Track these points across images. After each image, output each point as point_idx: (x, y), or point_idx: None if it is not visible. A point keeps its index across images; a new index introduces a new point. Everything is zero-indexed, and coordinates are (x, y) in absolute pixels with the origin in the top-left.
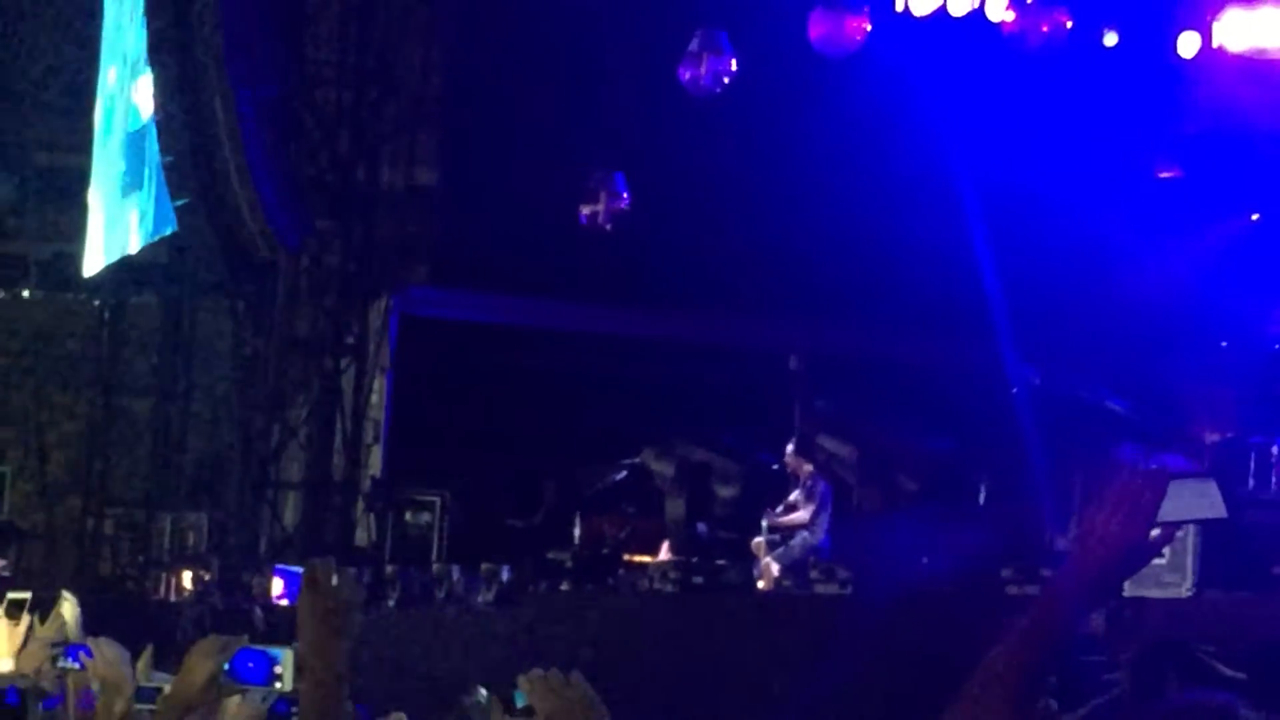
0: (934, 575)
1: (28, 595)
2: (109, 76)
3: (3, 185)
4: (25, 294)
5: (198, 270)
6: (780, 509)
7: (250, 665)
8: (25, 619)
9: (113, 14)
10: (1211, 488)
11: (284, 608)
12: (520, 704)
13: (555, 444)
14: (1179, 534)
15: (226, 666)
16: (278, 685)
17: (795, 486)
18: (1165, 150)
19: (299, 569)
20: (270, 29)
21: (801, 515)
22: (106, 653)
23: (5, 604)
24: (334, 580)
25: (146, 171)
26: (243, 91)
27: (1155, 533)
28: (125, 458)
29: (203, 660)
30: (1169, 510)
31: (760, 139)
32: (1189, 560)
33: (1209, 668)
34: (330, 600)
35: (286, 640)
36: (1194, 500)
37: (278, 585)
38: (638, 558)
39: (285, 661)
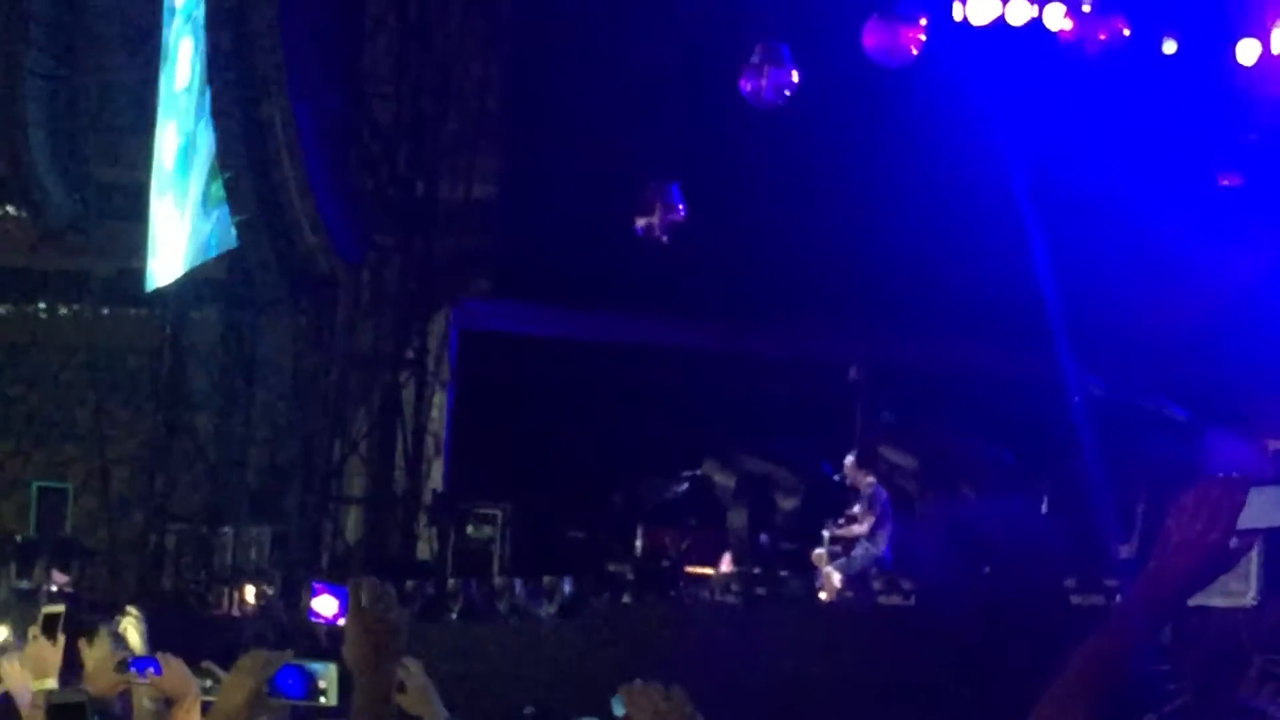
0: (997, 585)
1: (62, 609)
2: (174, 81)
3: (64, 200)
4: (87, 310)
5: (258, 286)
6: (841, 520)
7: (291, 681)
8: (61, 638)
9: (171, 30)
10: None
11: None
12: (619, 713)
13: (616, 456)
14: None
15: (269, 682)
16: (321, 700)
17: (856, 498)
18: (1226, 157)
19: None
20: (329, 43)
21: (863, 526)
22: (174, 665)
23: (41, 619)
24: (380, 599)
25: (198, 183)
26: (301, 106)
27: (1234, 541)
28: (187, 473)
29: (245, 676)
30: (1247, 518)
31: (817, 149)
32: (1253, 569)
33: (1273, 676)
34: (376, 619)
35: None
36: (1273, 508)
37: (328, 605)
38: (698, 569)
39: (328, 677)
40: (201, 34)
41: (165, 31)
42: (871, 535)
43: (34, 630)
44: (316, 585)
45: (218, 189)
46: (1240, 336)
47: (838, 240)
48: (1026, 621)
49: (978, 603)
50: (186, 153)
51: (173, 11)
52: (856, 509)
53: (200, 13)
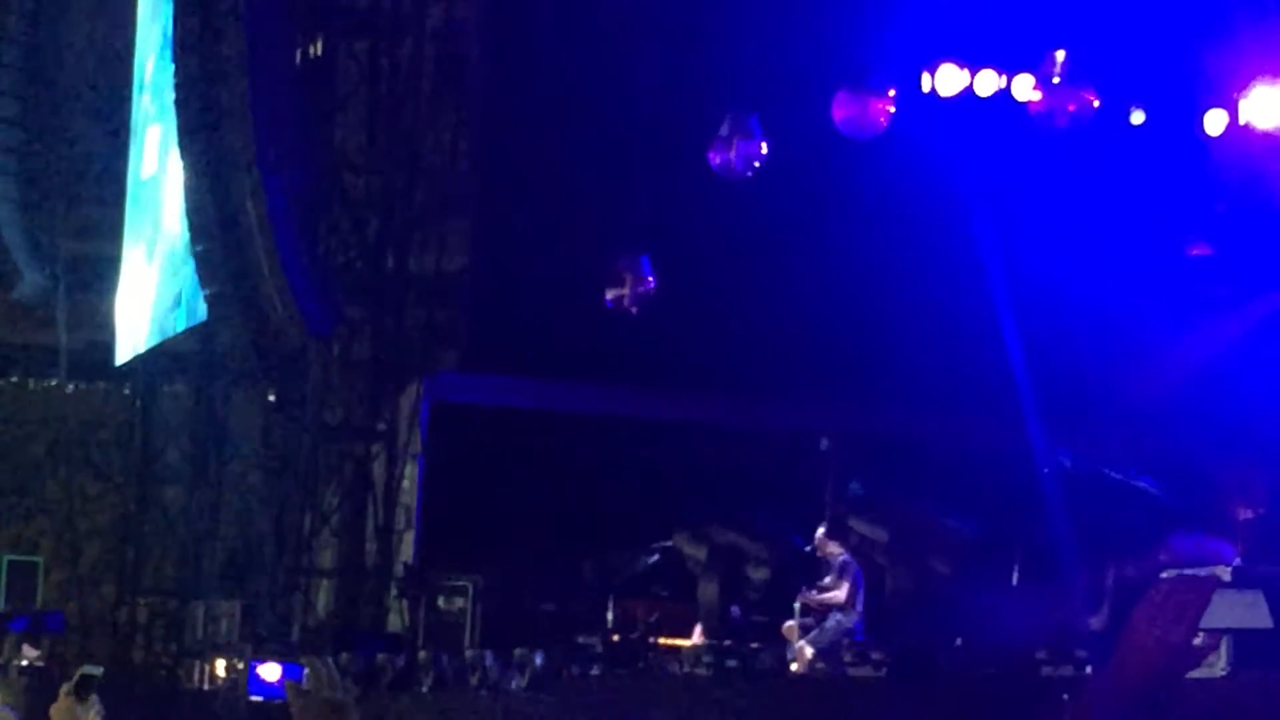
0: (969, 656)
1: (99, 672)
2: (140, 166)
3: (34, 275)
4: (57, 384)
5: (229, 359)
6: (814, 589)
7: None
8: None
9: (140, 109)
10: (1259, 599)
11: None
12: None
13: (587, 528)
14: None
15: None
16: None
17: (827, 568)
18: (1195, 227)
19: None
20: (299, 116)
21: (837, 595)
22: None
23: (76, 680)
24: (326, 680)
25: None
26: (272, 180)
27: (1199, 639)
28: (158, 546)
29: None
30: (1214, 618)
31: (787, 221)
32: (1224, 640)
33: None
34: (325, 700)
35: None
36: (1242, 610)
37: (271, 671)
38: (670, 641)
39: None
40: (171, 119)
41: (134, 107)
42: (845, 605)
43: (66, 687)
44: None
45: (186, 274)
46: (1209, 406)
47: (807, 312)
48: (998, 692)
49: (949, 674)
50: (152, 241)
51: (142, 86)
52: (828, 579)
53: (169, 88)
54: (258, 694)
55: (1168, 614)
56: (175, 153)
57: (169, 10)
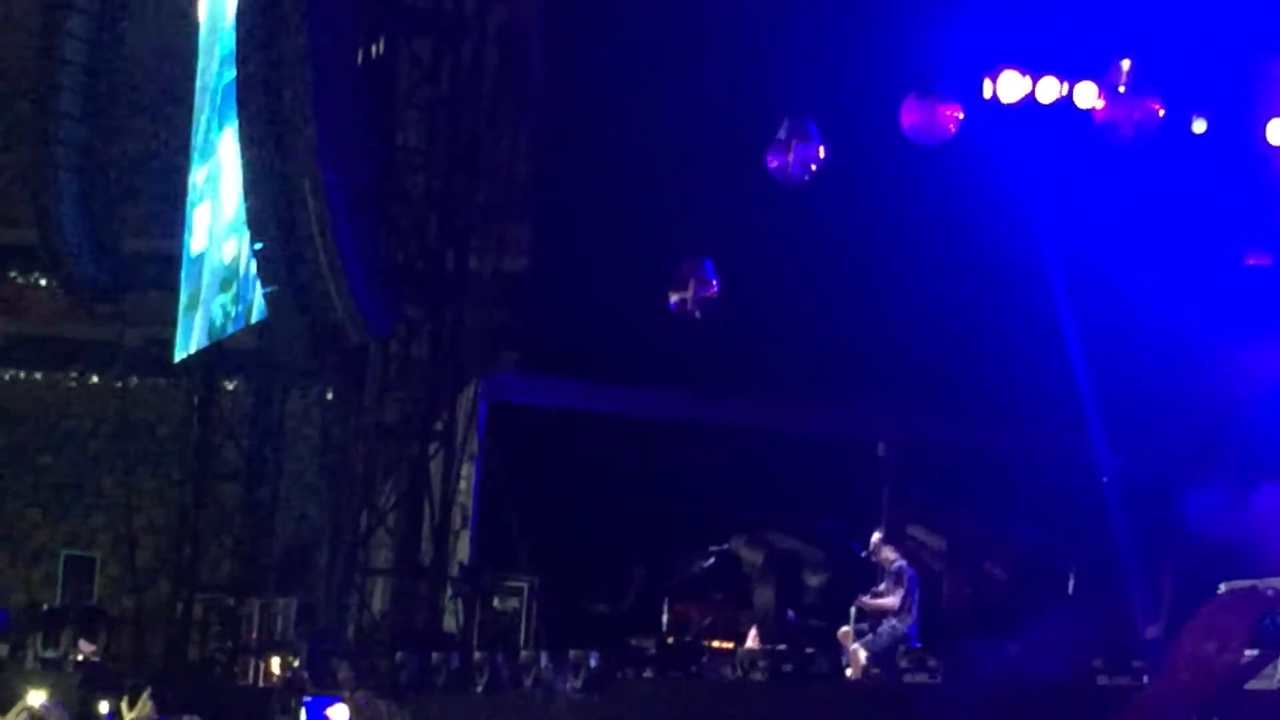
0: (1024, 665)
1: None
2: (198, 175)
3: (95, 270)
4: (116, 379)
5: (287, 357)
6: (869, 595)
7: None
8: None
9: (202, 102)
10: None
11: None
12: None
13: (643, 530)
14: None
15: None
16: None
17: (882, 574)
18: (1255, 237)
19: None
20: (360, 116)
21: (891, 601)
22: None
23: (130, 688)
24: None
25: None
26: (332, 178)
27: (1251, 653)
28: (214, 543)
29: None
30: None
31: (850, 226)
32: None
33: None
34: None
35: None
36: None
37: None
38: (723, 644)
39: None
40: (232, 117)
41: (196, 104)
42: (900, 611)
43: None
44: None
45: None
46: (1269, 416)
47: (868, 317)
48: (1053, 702)
49: (1004, 682)
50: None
51: (204, 85)
52: (883, 585)
53: (231, 86)
54: None
55: (1219, 630)
56: (236, 150)
57: (232, 10)
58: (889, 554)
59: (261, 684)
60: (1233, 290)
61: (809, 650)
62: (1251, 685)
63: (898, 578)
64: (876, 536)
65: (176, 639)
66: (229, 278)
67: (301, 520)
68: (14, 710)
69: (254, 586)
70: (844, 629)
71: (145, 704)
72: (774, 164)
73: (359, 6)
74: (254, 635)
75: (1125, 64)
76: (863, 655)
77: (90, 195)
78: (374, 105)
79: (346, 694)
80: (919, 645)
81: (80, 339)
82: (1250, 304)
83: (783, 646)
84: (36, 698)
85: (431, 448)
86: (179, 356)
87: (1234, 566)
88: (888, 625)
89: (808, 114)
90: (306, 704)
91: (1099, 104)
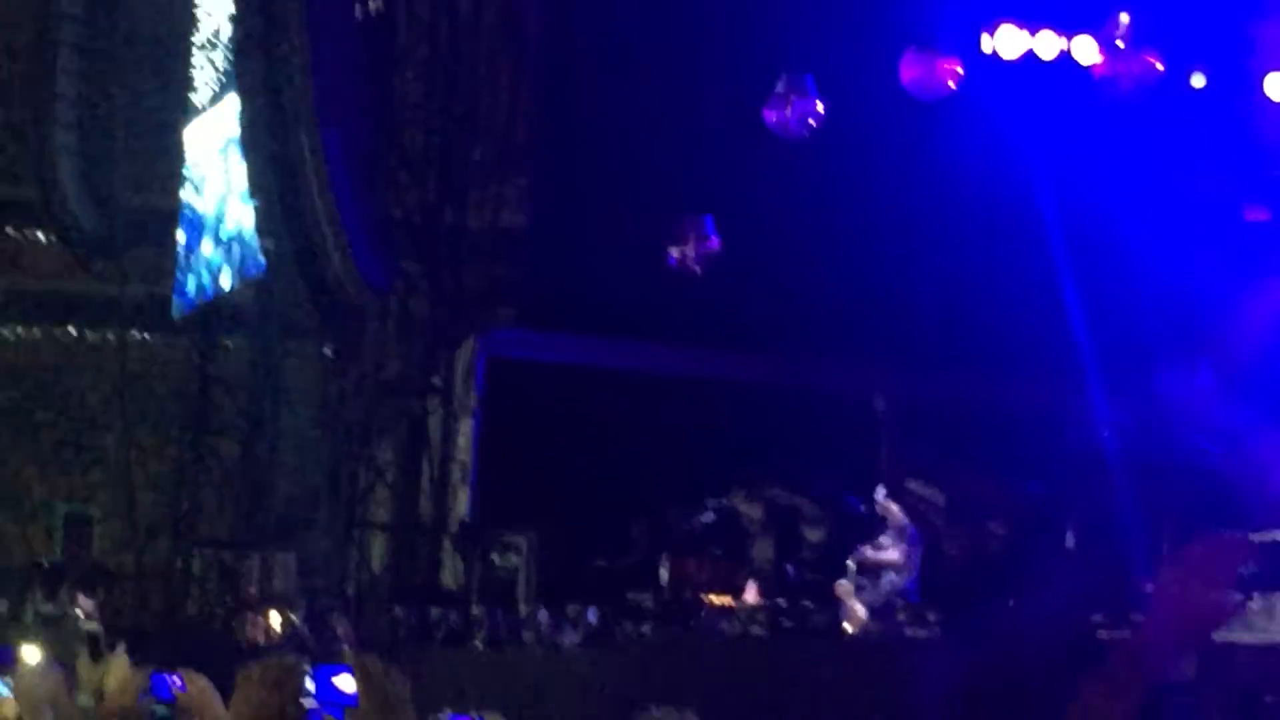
0: (1023, 619)
1: (100, 629)
2: (197, 130)
3: (94, 225)
4: (115, 336)
5: (286, 313)
6: (869, 547)
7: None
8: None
9: (201, 58)
10: None
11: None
12: None
13: (642, 486)
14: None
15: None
16: None
17: (883, 529)
18: (1253, 192)
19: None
20: (358, 71)
21: (894, 555)
22: (198, 683)
23: (86, 640)
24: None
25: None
26: (331, 134)
27: (1233, 598)
28: (213, 499)
29: (261, 690)
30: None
31: (849, 182)
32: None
33: None
34: (384, 694)
35: None
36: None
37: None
38: (722, 599)
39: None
40: (230, 74)
41: (195, 61)
42: (901, 566)
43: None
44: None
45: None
46: (1267, 372)
47: (867, 272)
48: (1052, 656)
49: (1003, 636)
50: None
51: (203, 41)
52: (885, 539)
53: (230, 43)
54: (327, 701)
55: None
56: (234, 106)
57: None
58: (896, 511)
59: (261, 640)
60: (1231, 245)
61: (807, 605)
62: (1251, 639)
63: (902, 534)
64: (883, 492)
65: (175, 594)
66: (228, 234)
67: (300, 476)
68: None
69: (253, 542)
70: (842, 582)
71: (121, 664)
72: (772, 119)
73: None
74: (253, 590)
75: (1124, 18)
76: (860, 609)
77: (89, 151)
78: (372, 62)
79: (349, 653)
80: (918, 600)
81: (79, 295)
82: (1249, 258)
83: (781, 601)
84: (31, 654)
85: (430, 403)
86: (178, 313)
87: (1233, 520)
88: (887, 579)
89: (806, 69)
90: (315, 673)
91: (1098, 59)
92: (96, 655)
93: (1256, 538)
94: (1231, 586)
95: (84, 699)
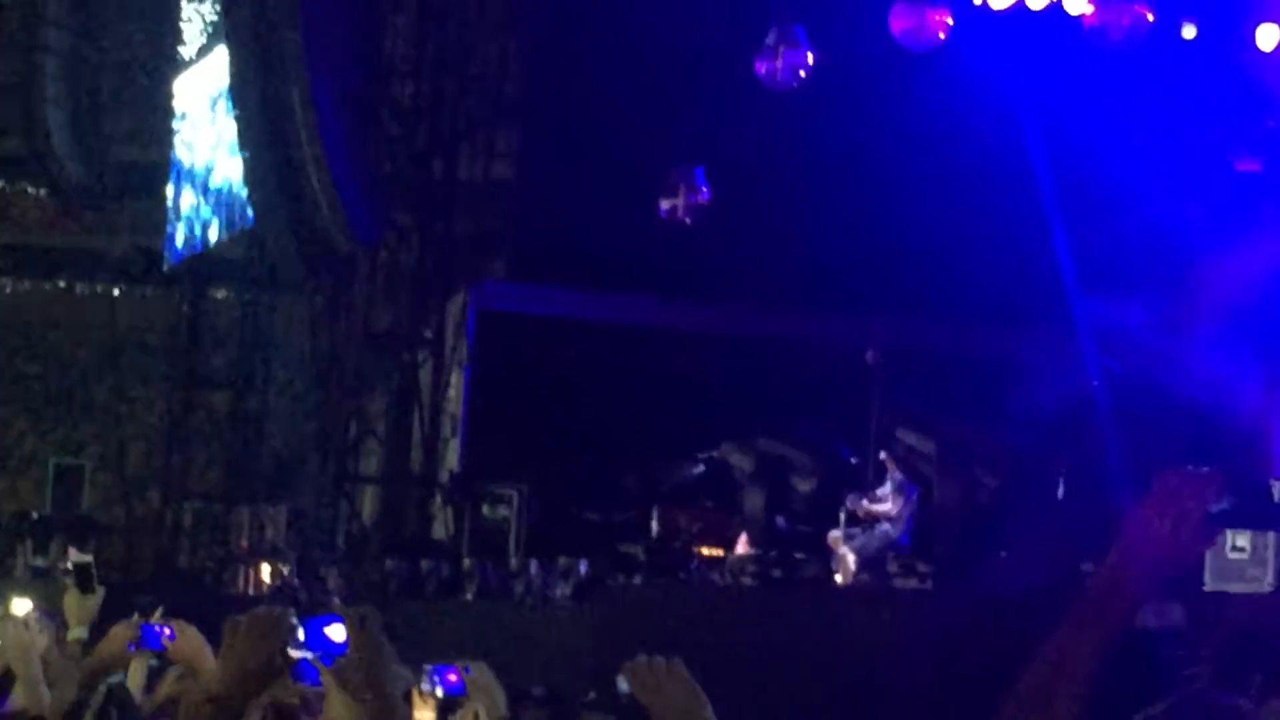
0: (1014, 569)
1: (89, 560)
2: (186, 83)
3: (83, 178)
4: (105, 288)
5: (276, 265)
6: (866, 498)
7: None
8: (100, 591)
9: (190, 8)
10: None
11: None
12: (624, 690)
13: (632, 438)
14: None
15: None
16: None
17: (882, 480)
18: (1244, 143)
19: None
20: (348, 22)
21: (889, 507)
22: (189, 634)
23: (74, 572)
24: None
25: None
26: (321, 87)
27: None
28: (203, 451)
29: (252, 640)
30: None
31: (840, 133)
32: (1271, 555)
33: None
34: (375, 644)
35: None
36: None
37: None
38: (712, 550)
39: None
40: (220, 24)
41: (184, 12)
42: (895, 518)
43: (69, 580)
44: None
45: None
46: (1257, 322)
47: (857, 224)
48: (1043, 605)
49: (994, 586)
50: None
51: None
52: (881, 491)
53: None
54: (318, 651)
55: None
56: (223, 58)
57: None
58: (895, 467)
59: (251, 591)
60: (1221, 195)
61: (798, 556)
62: (1242, 588)
63: (900, 488)
64: (884, 455)
65: (166, 547)
66: (217, 186)
67: (290, 428)
68: None
69: (243, 494)
70: (833, 533)
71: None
72: (762, 71)
73: None
74: (244, 543)
75: None
76: (851, 559)
77: (78, 103)
78: (362, 12)
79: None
80: (909, 551)
81: (68, 247)
82: (1239, 209)
83: (772, 552)
84: (21, 606)
85: (420, 356)
86: (167, 265)
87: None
88: (881, 528)
89: (796, 20)
90: (305, 623)
91: (1088, 9)
92: (87, 588)
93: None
94: (1202, 521)
95: (76, 632)
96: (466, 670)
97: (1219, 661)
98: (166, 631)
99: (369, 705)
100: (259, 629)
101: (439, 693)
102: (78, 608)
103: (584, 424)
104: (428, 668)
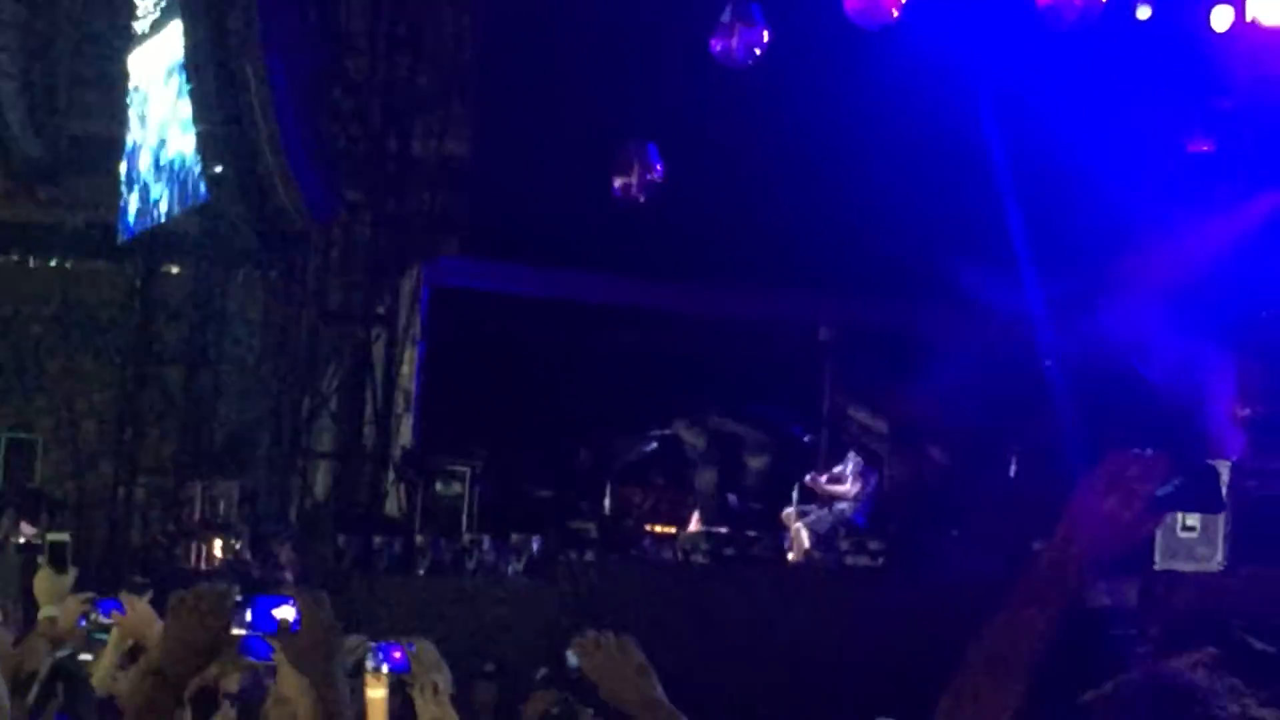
0: (965, 547)
1: (67, 537)
2: (141, 58)
3: (36, 152)
4: (58, 262)
5: (230, 240)
6: (825, 476)
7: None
8: (73, 571)
9: None
10: (1213, 476)
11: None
12: (573, 664)
13: (586, 415)
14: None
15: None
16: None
17: (841, 459)
18: (1197, 124)
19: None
20: (303, 0)
21: (847, 488)
22: (138, 607)
23: (48, 550)
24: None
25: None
26: (275, 63)
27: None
28: (156, 426)
29: (197, 616)
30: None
31: (794, 111)
32: (1221, 534)
33: (1240, 641)
34: (324, 626)
35: None
36: (1191, 490)
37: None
38: (665, 528)
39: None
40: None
41: None
42: (853, 499)
43: (42, 559)
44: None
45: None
46: (1208, 305)
47: (811, 202)
48: (994, 584)
49: (945, 565)
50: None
51: None
52: (841, 470)
53: None
54: (263, 629)
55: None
56: (178, 32)
57: None
58: (856, 453)
59: (204, 567)
60: (1173, 176)
61: (750, 533)
62: (1192, 567)
63: (860, 473)
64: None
65: (118, 522)
66: (171, 160)
67: (243, 404)
68: None
69: (196, 470)
70: (786, 510)
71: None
72: (718, 48)
73: None
74: (196, 518)
75: None
76: (806, 536)
77: (31, 77)
78: None
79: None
80: (864, 527)
81: (21, 222)
82: (1192, 190)
83: (724, 530)
84: None
85: (374, 332)
86: (121, 240)
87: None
88: (837, 508)
89: None
90: (253, 602)
91: None
92: (61, 567)
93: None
94: (1146, 503)
95: (49, 610)
96: (410, 647)
97: (1169, 640)
98: (117, 606)
99: (315, 683)
100: (202, 606)
101: (385, 670)
102: (50, 586)
103: (537, 401)
104: (372, 645)
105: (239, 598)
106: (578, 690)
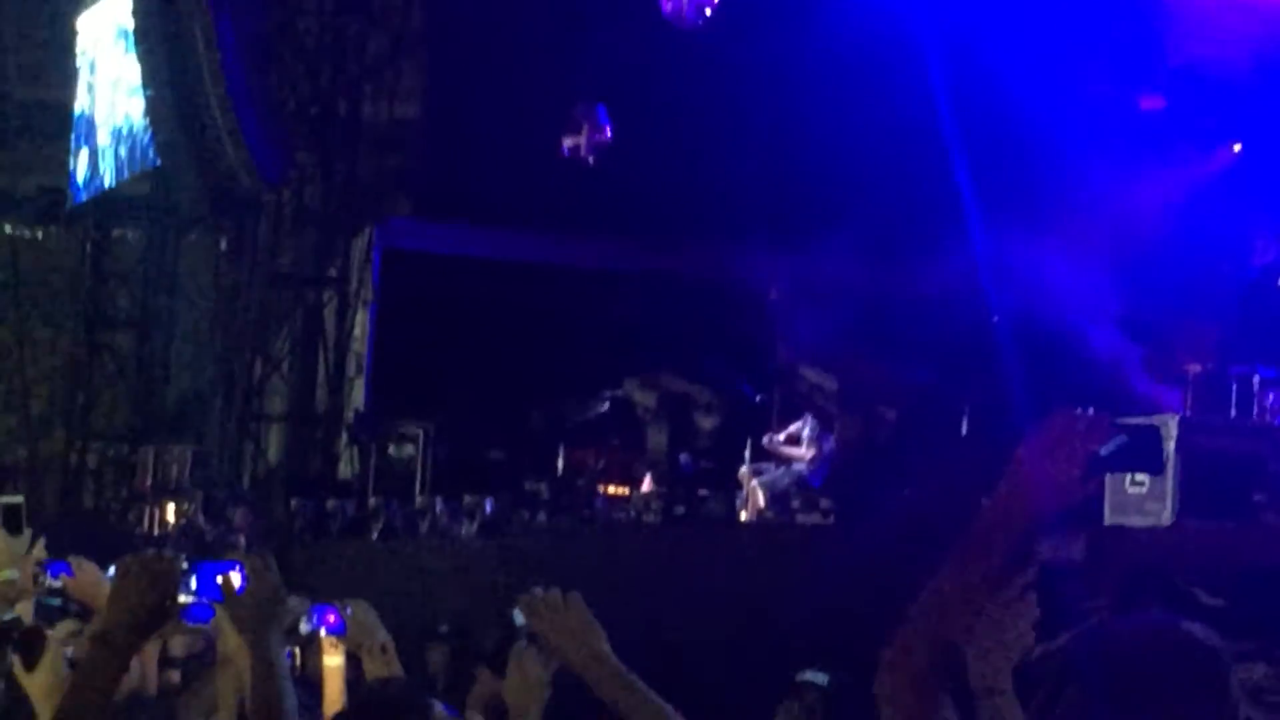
0: (917, 506)
1: (20, 500)
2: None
3: None
4: (7, 228)
5: (180, 204)
6: (783, 437)
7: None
8: (28, 532)
9: None
10: (1155, 437)
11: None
12: (520, 623)
13: (538, 376)
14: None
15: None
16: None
17: (798, 417)
18: (1149, 81)
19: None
20: None
21: (802, 451)
22: (87, 570)
23: (1, 513)
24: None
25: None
26: (225, 24)
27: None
28: (108, 391)
29: (138, 584)
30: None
31: (744, 69)
32: (1170, 489)
33: (1189, 595)
34: (269, 589)
35: None
36: (1133, 450)
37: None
38: (617, 488)
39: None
40: None
41: None
42: (808, 463)
43: None
44: (200, 565)
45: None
46: (1160, 262)
47: (761, 161)
48: (946, 542)
49: (896, 523)
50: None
51: None
52: (797, 428)
53: None
54: (208, 596)
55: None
56: None
57: None
58: (812, 416)
59: (156, 531)
60: (1125, 133)
61: (702, 493)
62: (1141, 522)
63: (816, 437)
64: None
65: (71, 487)
66: (121, 125)
67: (195, 368)
68: None
69: (148, 434)
70: (744, 469)
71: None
72: (668, 8)
73: None
74: (148, 483)
75: None
76: (761, 494)
77: None
78: None
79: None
80: (817, 486)
81: None
82: (1143, 146)
83: (676, 489)
84: None
85: (325, 295)
86: (71, 204)
87: (1124, 407)
88: (794, 468)
89: None
90: (197, 568)
91: None
92: (15, 529)
93: (1133, 421)
94: (1087, 463)
95: (5, 574)
96: (347, 609)
97: (1117, 596)
98: (66, 569)
99: (251, 645)
100: (147, 574)
101: (324, 632)
102: (6, 549)
103: (489, 362)
104: (308, 607)
105: (185, 565)
106: (462, 648)
